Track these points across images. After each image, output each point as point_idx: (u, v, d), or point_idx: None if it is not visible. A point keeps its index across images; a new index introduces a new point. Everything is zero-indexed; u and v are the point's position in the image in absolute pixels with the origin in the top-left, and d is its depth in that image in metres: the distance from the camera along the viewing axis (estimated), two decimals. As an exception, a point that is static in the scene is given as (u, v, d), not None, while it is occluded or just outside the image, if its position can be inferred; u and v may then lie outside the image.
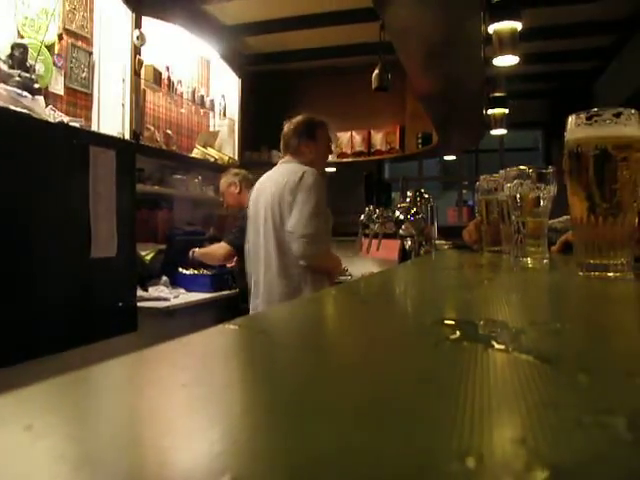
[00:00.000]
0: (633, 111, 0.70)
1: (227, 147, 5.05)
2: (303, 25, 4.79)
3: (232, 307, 3.42)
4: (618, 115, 0.69)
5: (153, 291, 3.34)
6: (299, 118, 2.83)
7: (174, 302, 3.26)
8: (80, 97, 3.42)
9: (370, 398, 0.20)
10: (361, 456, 0.15)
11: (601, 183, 0.68)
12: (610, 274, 0.67)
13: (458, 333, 0.32)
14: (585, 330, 0.35)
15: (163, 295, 3.30)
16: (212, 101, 4.86)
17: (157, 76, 3.98)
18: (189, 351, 0.29)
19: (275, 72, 5.94)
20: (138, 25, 3.68)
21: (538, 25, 4.54)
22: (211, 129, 4.93)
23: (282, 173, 2.67)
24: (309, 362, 0.26)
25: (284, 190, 2.57)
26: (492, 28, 3.17)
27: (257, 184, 2.82)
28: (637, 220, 0.72)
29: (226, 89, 5.12)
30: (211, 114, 4.91)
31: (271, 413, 0.19)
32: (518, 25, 3.15)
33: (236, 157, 5.11)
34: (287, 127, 2.80)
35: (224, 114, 5.06)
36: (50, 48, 3.17)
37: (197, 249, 3.65)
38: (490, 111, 5.47)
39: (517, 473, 0.14)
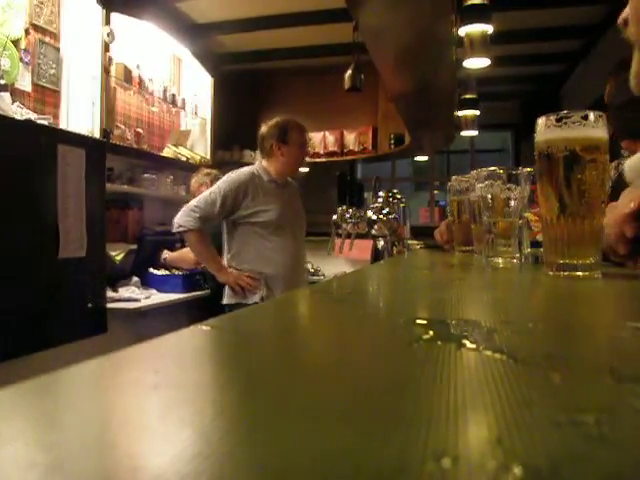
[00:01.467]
0: (600, 114, 0.72)
1: (199, 146, 5.02)
2: (276, 24, 4.78)
3: (204, 308, 3.40)
4: (586, 117, 0.71)
5: (124, 292, 3.29)
6: (274, 120, 2.92)
7: (145, 303, 3.22)
8: (48, 94, 3.35)
9: (342, 398, 0.20)
10: (334, 458, 0.15)
11: (570, 184, 0.69)
12: (579, 273, 0.68)
13: (430, 333, 0.32)
14: (555, 329, 0.35)
15: (134, 296, 3.26)
16: (184, 100, 4.82)
17: (128, 74, 3.93)
18: (160, 353, 0.29)
19: (248, 71, 5.91)
20: (108, 22, 3.62)
21: (508, 28, 4.60)
22: (183, 128, 4.88)
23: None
24: (281, 363, 0.26)
25: None
26: (463, 31, 3.21)
27: None
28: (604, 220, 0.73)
29: (198, 88, 5.08)
30: (183, 113, 4.87)
31: (244, 415, 0.19)
32: (489, 28, 3.19)
33: (208, 156, 5.08)
34: (262, 129, 2.91)
35: (196, 113, 5.02)
36: (16, 43, 3.10)
37: (168, 254, 3.63)
38: (461, 112, 5.53)
39: (491, 473, 0.14)
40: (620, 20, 0.82)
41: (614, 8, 4.44)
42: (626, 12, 0.80)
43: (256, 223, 2.75)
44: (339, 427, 0.17)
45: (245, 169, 2.87)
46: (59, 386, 0.23)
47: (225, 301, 2.81)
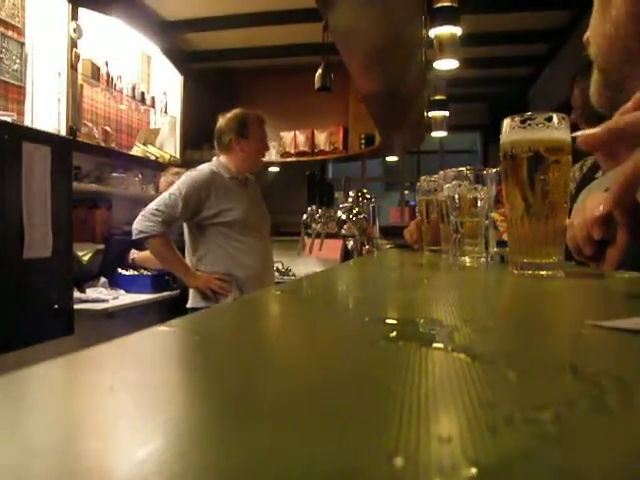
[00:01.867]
0: (563, 116, 0.73)
1: (168, 145, 4.96)
2: (246, 23, 4.76)
3: (174, 308, 3.36)
4: (550, 119, 0.72)
5: (91, 292, 3.24)
6: (231, 113, 2.78)
7: (113, 304, 3.18)
8: (12, 90, 3.28)
9: (303, 398, 0.20)
10: (286, 458, 0.15)
11: (534, 184, 0.70)
12: (542, 272, 0.69)
13: (394, 332, 0.32)
14: (515, 327, 0.35)
15: (101, 297, 3.21)
16: (153, 98, 4.76)
17: (95, 71, 3.87)
18: (120, 354, 0.28)
19: (218, 70, 5.87)
20: (75, 17, 3.56)
21: (477, 31, 4.65)
22: (152, 126, 4.83)
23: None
24: (243, 363, 0.26)
25: None
26: (433, 32, 3.24)
27: None
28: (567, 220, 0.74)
29: (168, 86, 5.03)
30: (152, 111, 4.81)
31: (201, 417, 0.19)
32: (458, 30, 3.23)
33: (177, 155, 5.03)
34: (220, 122, 2.78)
35: (165, 111, 4.97)
36: (-22, 37, 3.03)
37: (137, 254, 3.54)
38: (431, 113, 5.58)
39: (442, 473, 0.14)
40: (585, 38, 0.84)
41: (579, 13, 4.53)
42: (589, 32, 0.82)
43: (221, 223, 2.62)
44: (296, 427, 0.17)
45: (204, 167, 2.73)
46: (12, 388, 0.23)
47: (190, 304, 2.68)
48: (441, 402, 0.19)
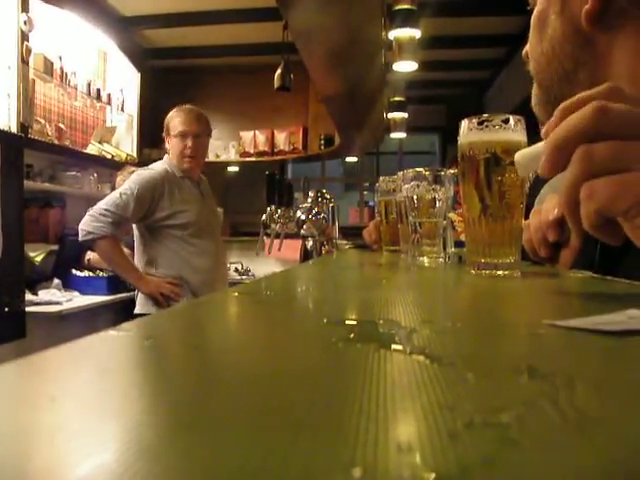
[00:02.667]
0: (519, 118, 0.74)
1: (125, 143, 4.87)
2: (205, 21, 4.71)
3: (131, 310, 3.29)
4: (506, 121, 0.73)
5: (44, 295, 3.15)
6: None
7: (67, 306, 3.09)
8: (-41, 85, 3.16)
9: (254, 405, 0.19)
10: (240, 469, 0.14)
11: (491, 185, 0.71)
12: (499, 272, 0.70)
13: (352, 333, 0.31)
14: (473, 328, 0.35)
15: (54, 299, 3.12)
16: (109, 95, 4.66)
17: (48, 66, 3.76)
18: (64, 361, 0.27)
19: (176, 68, 5.80)
20: (25, 9, 3.44)
21: (436, 34, 4.72)
22: (108, 124, 4.72)
23: None
24: (194, 368, 0.25)
25: None
26: (392, 34, 3.27)
27: None
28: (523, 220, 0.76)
29: (125, 83, 4.93)
30: (108, 108, 4.70)
31: (148, 428, 0.18)
32: (417, 33, 3.26)
33: (134, 154, 4.94)
34: None
35: (122, 109, 4.87)
36: None
37: (92, 254, 3.42)
38: (390, 115, 5.64)
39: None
40: (524, 53, 0.86)
41: (534, 18, 4.64)
42: (528, 47, 0.84)
43: (174, 226, 2.48)
44: (244, 436, 0.16)
45: (157, 165, 2.59)
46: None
47: (138, 310, 2.53)
48: (400, 407, 0.18)
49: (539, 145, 0.52)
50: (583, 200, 0.44)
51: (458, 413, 0.17)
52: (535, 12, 0.80)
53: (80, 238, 2.44)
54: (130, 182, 2.48)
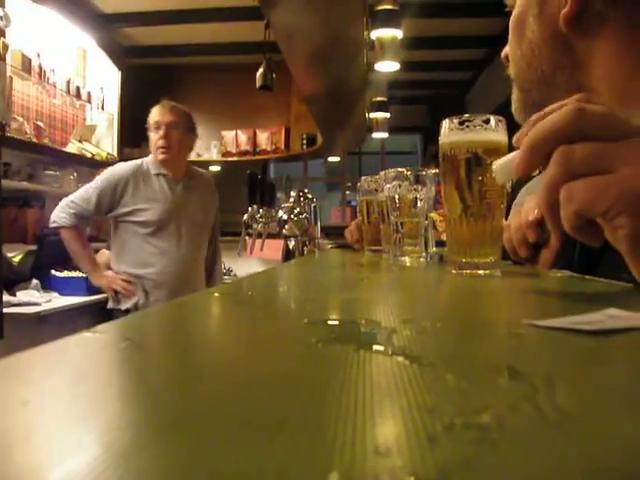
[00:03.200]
0: (500, 118, 0.74)
1: (105, 142, 4.81)
2: (187, 19, 4.68)
3: (111, 311, 3.25)
4: (487, 121, 0.73)
5: (22, 296, 3.10)
6: None
7: (46, 307, 3.05)
8: None
9: (231, 406, 0.19)
10: (215, 471, 0.14)
11: (472, 185, 0.71)
12: (480, 272, 0.70)
13: (333, 333, 0.31)
14: (452, 328, 0.35)
15: (33, 300, 3.07)
16: (89, 93, 4.61)
17: (26, 63, 3.70)
18: (39, 363, 0.26)
19: (158, 66, 5.75)
20: (2, 4, 3.38)
21: (417, 35, 4.74)
22: (88, 123, 4.67)
23: None
24: (171, 370, 0.24)
25: None
26: (374, 34, 3.27)
27: None
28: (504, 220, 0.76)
29: (105, 81, 4.87)
30: (88, 107, 4.65)
31: (122, 431, 0.17)
32: (399, 33, 3.27)
33: (115, 153, 4.89)
34: None
35: (102, 107, 4.81)
36: None
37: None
38: (372, 115, 5.65)
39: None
40: (503, 55, 0.86)
41: (514, 20, 4.68)
42: (506, 49, 0.85)
43: (135, 222, 2.47)
44: (221, 438, 0.16)
45: (132, 161, 2.62)
46: None
47: (110, 305, 2.58)
48: (378, 409, 0.18)
49: (515, 153, 0.53)
50: (563, 201, 0.44)
51: (437, 415, 0.17)
52: (513, 15, 0.80)
53: (49, 225, 2.55)
54: (100, 176, 2.56)
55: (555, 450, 0.15)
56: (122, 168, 2.57)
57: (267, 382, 0.22)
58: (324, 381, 0.22)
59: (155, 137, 2.57)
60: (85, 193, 2.48)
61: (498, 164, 0.56)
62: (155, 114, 2.61)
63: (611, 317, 0.34)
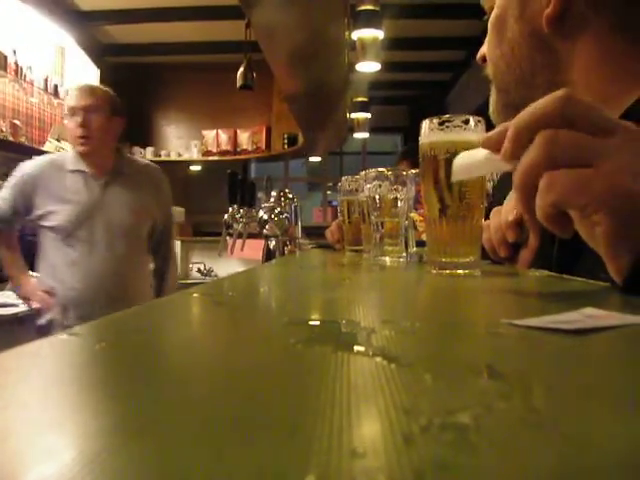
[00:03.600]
0: (479, 119, 0.75)
1: (84, 141, 4.75)
2: (167, 18, 4.65)
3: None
4: (467, 122, 0.73)
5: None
6: None
7: (24, 308, 3.00)
8: None
9: (206, 408, 0.18)
10: (190, 475, 0.14)
11: (451, 185, 0.71)
12: (460, 272, 0.71)
13: (312, 334, 0.31)
14: (432, 328, 0.35)
15: (9, 301, 3.02)
16: (67, 91, 4.55)
17: (2, 60, 3.65)
18: (10, 367, 0.26)
19: (138, 65, 5.71)
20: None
21: (399, 36, 4.76)
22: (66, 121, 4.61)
23: None
24: (146, 374, 0.24)
25: None
26: (356, 35, 3.28)
27: None
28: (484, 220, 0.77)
29: (83, 79, 4.81)
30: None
31: (95, 437, 0.17)
32: (380, 34, 3.28)
33: (94, 152, 4.83)
34: None
35: (81, 106, 4.76)
36: None
37: None
38: (353, 115, 5.66)
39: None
40: (478, 56, 0.87)
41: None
42: (482, 50, 0.85)
43: (47, 228, 2.12)
44: (196, 441, 0.16)
45: (46, 156, 2.28)
46: None
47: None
48: (355, 410, 0.18)
49: (476, 151, 0.52)
50: (542, 190, 0.44)
51: (414, 416, 0.17)
52: (493, 16, 0.81)
53: None
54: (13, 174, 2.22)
55: (532, 451, 0.15)
56: (31, 165, 2.20)
57: (243, 383, 0.22)
58: (301, 382, 0.22)
59: (70, 125, 2.16)
60: (2, 193, 2.18)
61: (458, 162, 0.56)
62: (70, 99, 2.22)
63: (588, 316, 0.35)
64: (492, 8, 0.82)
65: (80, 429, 0.18)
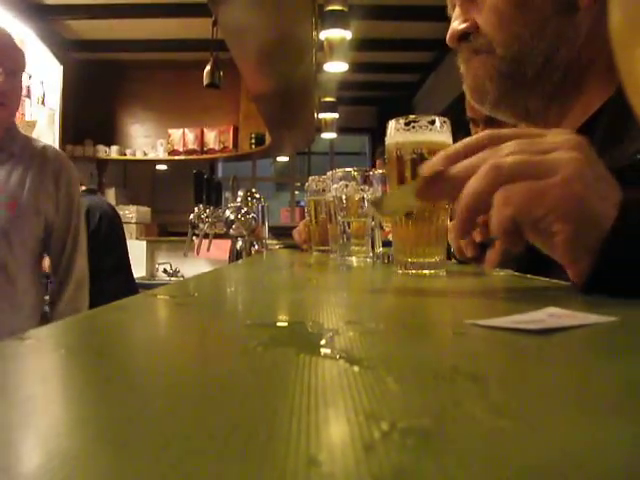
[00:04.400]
0: (445, 119, 0.75)
1: (46, 139, 4.65)
2: (132, 14, 4.57)
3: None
4: (433, 122, 0.73)
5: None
6: None
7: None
8: None
9: (159, 415, 0.18)
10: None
11: (417, 185, 0.71)
12: (425, 272, 0.71)
13: (274, 336, 0.30)
14: (396, 329, 0.35)
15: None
16: (28, 87, 4.44)
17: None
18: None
19: (102, 61, 5.61)
20: None
21: (367, 37, 4.78)
22: (27, 118, 4.50)
23: None
24: (102, 379, 0.23)
25: None
26: (323, 35, 3.28)
27: None
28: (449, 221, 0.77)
29: (46, 76, 4.71)
30: (27, 102, 4.48)
31: (50, 442, 0.16)
32: (348, 34, 3.29)
33: (57, 150, 4.73)
34: None
35: (43, 102, 4.65)
36: None
37: None
38: (321, 115, 5.66)
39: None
40: (453, 35, 0.84)
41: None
42: (458, 27, 0.83)
43: None
44: (145, 450, 0.15)
45: None
46: None
47: None
48: (314, 416, 0.17)
49: (405, 187, 0.54)
50: (499, 205, 0.45)
51: (374, 420, 0.17)
52: None
53: None
54: None
55: (495, 454, 0.15)
56: None
57: (200, 389, 0.21)
58: (259, 387, 0.21)
59: None
60: None
61: (387, 200, 0.57)
62: None
63: (551, 316, 0.35)
64: (454, 15, 0.81)
65: (32, 435, 0.17)
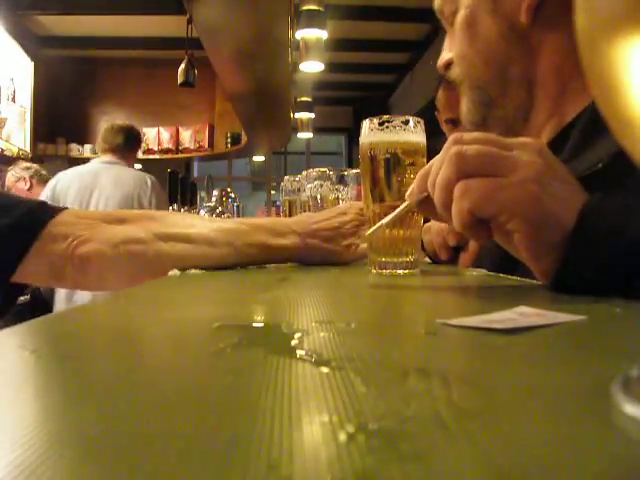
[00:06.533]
0: (419, 119, 0.75)
1: (17, 137, 4.57)
2: (105, 10, 4.51)
3: (21, 318, 3.07)
4: (407, 122, 0.74)
5: None
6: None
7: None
8: None
9: (124, 421, 0.17)
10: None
11: (391, 185, 0.72)
12: (399, 271, 0.71)
13: (242, 338, 0.30)
14: (367, 329, 0.35)
15: None
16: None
17: None
18: None
19: (74, 58, 5.52)
20: None
21: (343, 37, 4.79)
22: (-3, 116, 4.42)
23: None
24: (63, 382, 0.22)
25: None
26: (299, 34, 3.28)
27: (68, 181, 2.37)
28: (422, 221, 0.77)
29: (16, 72, 4.62)
30: (-3, 99, 4.40)
31: (10, 450, 0.15)
32: (324, 34, 3.29)
33: (27, 149, 4.65)
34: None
35: (13, 100, 4.57)
36: None
37: None
38: (297, 115, 5.66)
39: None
40: (440, 65, 0.86)
41: (436, 27, 4.81)
42: (445, 57, 0.85)
43: None
44: (107, 455, 0.14)
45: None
46: None
47: None
48: (278, 418, 0.17)
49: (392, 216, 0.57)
50: (456, 198, 0.46)
51: (339, 423, 0.16)
52: (461, 15, 0.79)
53: None
54: None
55: (462, 456, 0.15)
56: None
57: (165, 392, 0.21)
58: (223, 389, 0.20)
59: None
60: None
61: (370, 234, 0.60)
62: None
63: (521, 315, 0.35)
64: (451, 12, 0.81)
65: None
